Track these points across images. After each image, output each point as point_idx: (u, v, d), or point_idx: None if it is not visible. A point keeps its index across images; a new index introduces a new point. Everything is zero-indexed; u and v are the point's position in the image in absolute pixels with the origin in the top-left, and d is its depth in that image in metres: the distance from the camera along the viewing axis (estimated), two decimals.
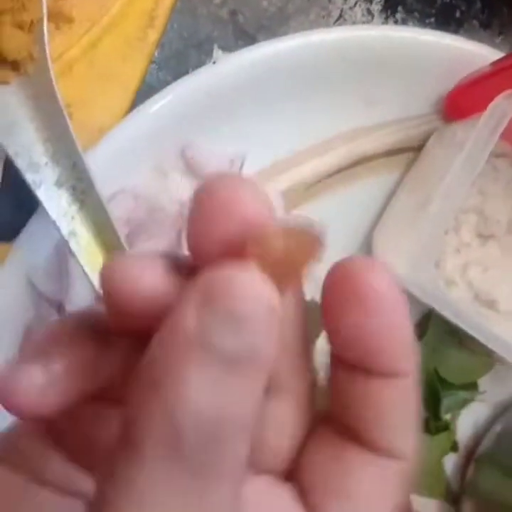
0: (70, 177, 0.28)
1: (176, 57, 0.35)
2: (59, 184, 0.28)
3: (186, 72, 0.34)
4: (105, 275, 0.13)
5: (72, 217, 0.28)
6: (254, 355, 0.12)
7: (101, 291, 0.14)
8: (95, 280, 0.28)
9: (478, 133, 0.33)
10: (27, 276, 0.31)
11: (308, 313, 0.40)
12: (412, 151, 0.40)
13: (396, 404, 0.15)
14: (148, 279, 0.13)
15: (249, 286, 0.12)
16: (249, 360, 0.12)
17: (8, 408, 0.14)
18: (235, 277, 0.12)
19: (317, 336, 0.40)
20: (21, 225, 0.31)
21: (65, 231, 0.28)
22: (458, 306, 0.34)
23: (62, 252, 0.31)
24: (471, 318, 0.34)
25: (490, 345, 0.36)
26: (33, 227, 0.31)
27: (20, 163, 0.28)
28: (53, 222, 0.27)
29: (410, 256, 0.35)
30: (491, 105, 0.33)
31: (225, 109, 0.34)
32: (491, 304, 0.37)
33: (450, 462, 0.43)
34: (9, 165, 0.31)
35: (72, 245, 0.28)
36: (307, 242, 0.14)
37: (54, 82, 0.28)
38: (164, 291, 0.13)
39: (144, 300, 0.13)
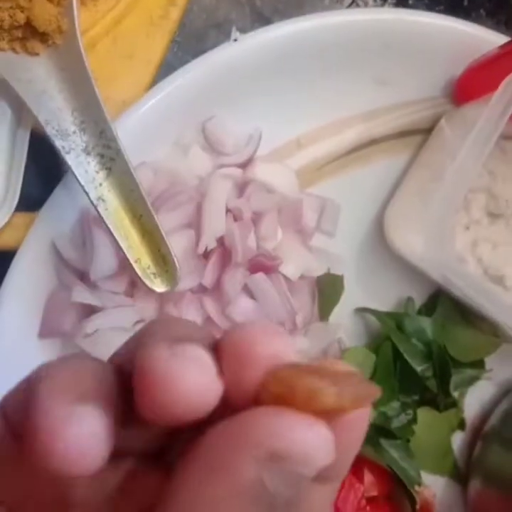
0: (98, 145, 0.29)
1: (196, 36, 0.36)
2: (87, 151, 0.29)
3: (205, 52, 0.35)
4: (151, 365, 0.12)
5: (100, 184, 0.29)
6: None
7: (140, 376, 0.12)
8: (123, 243, 0.28)
9: (489, 112, 0.34)
10: (52, 245, 0.32)
11: (325, 284, 0.41)
12: (423, 133, 0.41)
13: None
14: (198, 382, 0.12)
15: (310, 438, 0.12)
16: None
17: (56, 460, 0.11)
18: (296, 433, 0.12)
19: (334, 305, 0.41)
20: (47, 195, 0.32)
21: (93, 196, 0.28)
22: (473, 279, 0.35)
23: (87, 222, 0.31)
24: (485, 291, 0.35)
25: (502, 319, 0.37)
26: (58, 197, 0.32)
27: (50, 130, 0.28)
28: (82, 187, 0.28)
29: (423, 233, 0.36)
30: (502, 84, 0.34)
31: (244, 86, 0.35)
32: (499, 280, 0.38)
33: (457, 440, 0.43)
34: (36, 137, 0.32)
35: (101, 210, 0.28)
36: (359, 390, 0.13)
37: (83, 54, 0.29)
38: (210, 401, 0.12)
39: (188, 404, 0.12)
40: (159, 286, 0.30)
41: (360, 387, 0.13)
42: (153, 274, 0.29)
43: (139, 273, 0.29)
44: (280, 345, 0.13)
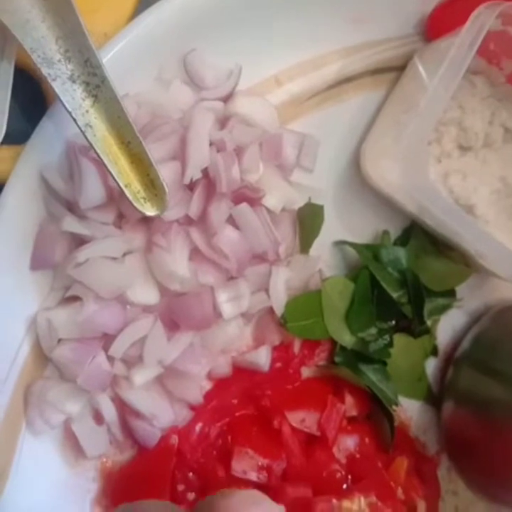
0: (83, 73, 0.29)
1: None
2: (73, 79, 0.29)
3: None
4: None
5: (87, 111, 0.29)
6: None
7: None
8: (112, 168, 0.29)
9: (458, 44, 0.35)
10: (40, 177, 0.32)
11: (306, 216, 0.43)
12: (397, 70, 0.42)
13: None
14: None
15: None
16: None
17: None
18: None
19: (315, 237, 0.43)
20: (32, 128, 0.33)
21: (81, 123, 0.29)
22: (447, 204, 0.37)
23: (74, 152, 0.32)
24: (459, 216, 0.37)
25: (474, 244, 0.39)
26: (44, 129, 0.32)
27: (36, 58, 0.29)
28: (69, 114, 0.29)
29: (398, 163, 0.38)
30: (471, 16, 0.35)
31: (223, 21, 0.36)
32: (469, 209, 0.40)
33: (431, 366, 0.46)
34: (19, 71, 0.32)
35: (89, 136, 0.29)
36: None
37: None
38: None
39: None
40: (149, 210, 0.31)
41: None
42: (144, 198, 0.30)
43: (130, 197, 0.30)
44: None
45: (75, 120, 0.29)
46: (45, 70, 0.29)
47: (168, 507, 0.19)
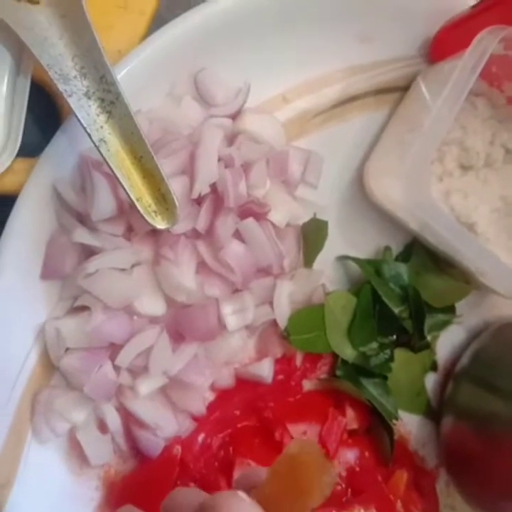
0: (98, 89, 0.30)
1: None
2: (88, 95, 0.30)
3: (196, 6, 0.36)
4: None
5: (101, 127, 0.30)
6: None
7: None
8: (125, 182, 0.30)
9: (461, 67, 0.37)
10: (52, 189, 0.33)
11: (310, 231, 0.44)
12: (400, 90, 0.43)
13: None
14: None
15: None
16: None
17: None
18: None
19: (318, 251, 0.44)
20: (46, 142, 0.33)
21: (95, 138, 0.30)
22: (449, 221, 0.38)
23: (86, 165, 0.33)
24: (461, 233, 0.38)
25: (475, 262, 0.40)
26: (58, 143, 0.33)
27: (53, 74, 0.30)
28: (84, 129, 0.30)
29: (402, 181, 0.39)
30: (474, 40, 0.36)
31: (233, 40, 0.37)
32: (470, 227, 0.41)
33: (430, 381, 0.47)
34: (34, 84, 0.33)
35: (103, 151, 0.30)
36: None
37: (82, 1, 0.30)
38: None
39: None
40: (160, 224, 0.31)
41: None
42: (155, 212, 0.31)
43: (141, 211, 0.31)
44: None
45: (89, 135, 0.30)
46: (61, 86, 0.30)
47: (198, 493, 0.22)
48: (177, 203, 0.31)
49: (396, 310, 0.42)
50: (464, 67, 0.36)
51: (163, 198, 0.31)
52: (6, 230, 0.33)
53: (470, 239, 0.39)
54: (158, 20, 0.36)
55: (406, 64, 0.43)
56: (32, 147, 0.33)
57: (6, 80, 0.32)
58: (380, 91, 0.43)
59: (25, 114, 0.32)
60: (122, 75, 0.34)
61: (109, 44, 0.34)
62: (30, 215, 0.33)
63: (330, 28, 0.40)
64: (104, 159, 0.30)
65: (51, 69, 0.30)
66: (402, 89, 0.43)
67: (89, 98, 0.30)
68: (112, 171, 0.30)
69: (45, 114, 0.34)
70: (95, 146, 0.30)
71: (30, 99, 0.32)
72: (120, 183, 0.30)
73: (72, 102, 0.30)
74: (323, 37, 0.40)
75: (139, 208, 0.31)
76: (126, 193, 0.30)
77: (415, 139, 0.38)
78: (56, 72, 0.30)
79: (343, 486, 0.41)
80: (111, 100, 0.30)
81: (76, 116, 0.30)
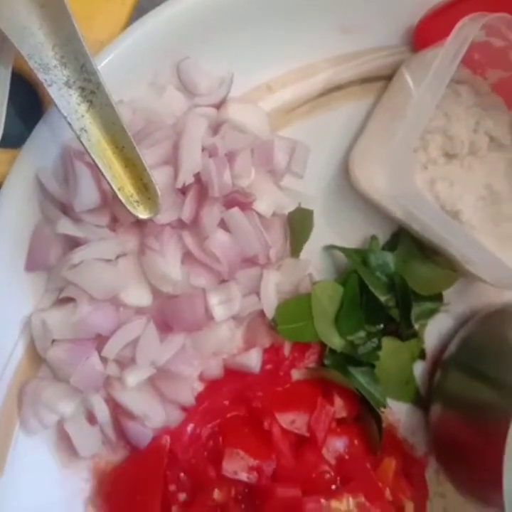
0: (79, 79, 0.30)
1: None
2: (68, 85, 0.30)
3: None
4: None
5: (82, 116, 0.30)
6: None
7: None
8: (106, 172, 0.30)
9: (444, 53, 0.37)
10: (35, 180, 0.33)
11: (296, 220, 0.44)
12: (384, 79, 0.43)
13: None
14: None
15: None
16: None
17: None
18: None
19: (305, 241, 0.44)
20: (28, 133, 0.33)
21: (76, 127, 0.30)
22: (434, 210, 0.38)
23: (69, 156, 0.33)
24: (445, 221, 0.38)
25: (460, 250, 0.40)
26: (40, 133, 0.33)
27: (33, 64, 0.30)
28: (65, 119, 0.30)
29: (386, 170, 0.39)
30: (456, 27, 0.36)
31: (216, 29, 0.37)
32: (455, 215, 0.41)
33: (418, 369, 0.47)
34: (15, 75, 0.33)
35: (84, 141, 0.30)
36: None
37: None
38: None
39: None
40: (142, 213, 0.31)
41: None
42: (137, 201, 0.31)
43: (123, 200, 0.31)
44: None
45: (70, 125, 0.30)
46: (41, 76, 0.30)
47: None
48: (159, 193, 0.31)
49: (383, 299, 0.43)
50: (446, 54, 0.37)
51: (145, 188, 0.31)
52: None
53: (455, 227, 0.39)
54: (140, 11, 0.36)
55: (390, 53, 0.43)
56: (14, 138, 0.33)
57: None
58: (365, 80, 0.43)
59: (6, 104, 0.32)
60: (104, 64, 0.34)
61: (90, 34, 0.34)
62: (14, 207, 0.33)
63: (313, 17, 0.40)
64: (85, 149, 0.30)
65: (31, 58, 0.30)
66: (387, 78, 0.43)
67: (69, 87, 0.30)
68: (93, 161, 0.30)
69: (27, 104, 0.34)
70: (76, 135, 0.30)
71: (11, 90, 0.32)
72: (101, 172, 0.30)
73: (53, 92, 0.29)
74: (306, 27, 0.40)
75: (121, 197, 0.31)
76: (108, 183, 0.30)
77: (398, 127, 0.38)
78: (36, 62, 0.30)
79: (332, 474, 0.41)
80: (91, 90, 0.30)
81: (56, 106, 0.30)
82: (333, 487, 0.41)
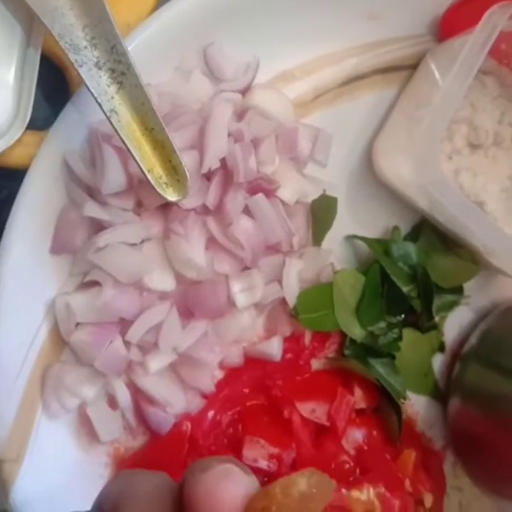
0: (109, 60, 0.30)
1: None
2: (98, 66, 0.30)
3: None
4: None
5: (112, 97, 0.30)
6: None
7: None
8: (136, 153, 0.30)
9: (472, 42, 0.36)
10: (62, 162, 0.33)
11: (319, 208, 0.43)
12: (408, 69, 0.43)
13: None
14: None
15: None
16: None
17: None
18: None
19: (327, 229, 0.44)
20: (55, 115, 0.33)
21: (106, 108, 0.30)
22: (459, 197, 0.38)
23: (96, 138, 0.33)
24: (470, 210, 0.37)
25: (485, 240, 0.40)
26: (67, 115, 0.33)
27: (63, 44, 0.30)
28: (95, 99, 0.29)
29: (411, 159, 0.38)
30: (485, 15, 0.36)
31: (244, 15, 0.37)
32: (479, 206, 0.41)
33: (437, 362, 0.47)
34: (44, 57, 0.33)
35: (114, 122, 0.30)
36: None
37: None
38: None
39: None
40: (171, 195, 0.31)
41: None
42: (166, 183, 0.31)
43: (152, 182, 0.31)
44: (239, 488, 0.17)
45: (100, 105, 0.30)
46: (72, 56, 0.29)
47: (163, 479, 0.20)
48: (188, 175, 0.31)
49: (405, 289, 0.42)
50: (474, 43, 0.36)
51: (174, 170, 0.31)
52: (16, 204, 0.33)
53: (480, 216, 0.39)
54: None
55: (415, 42, 0.43)
56: (42, 120, 0.33)
57: (16, 52, 0.32)
58: (389, 69, 0.43)
59: (35, 86, 0.32)
60: (131, 48, 0.33)
61: (118, 17, 0.34)
62: (40, 189, 0.33)
63: (339, 5, 0.39)
64: (115, 130, 0.30)
65: (62, 39, 0.29)
66: (411, 67, 0.43)
67: (100, 68, 0.30)
68: (123, 142, 0.30)
69: (55, 87, 0.34)
70: (106, 116, 0.30)
71: (39, 72, 0.32)
72: (131, 154, 0.30)
73: (83, 73, 0.29)
74: (332, 14, 0.40)
75: (150, 179, 0.30)
76: (137, 165, 0.30)
77: (424, 116, 0.38)
78: (67, 43, 0.29)
79: (352, 464, 0.41)
80: (121, 71, 0.30)
81: (87, 87, 0.30)
82: (353, 478, 0.41)
